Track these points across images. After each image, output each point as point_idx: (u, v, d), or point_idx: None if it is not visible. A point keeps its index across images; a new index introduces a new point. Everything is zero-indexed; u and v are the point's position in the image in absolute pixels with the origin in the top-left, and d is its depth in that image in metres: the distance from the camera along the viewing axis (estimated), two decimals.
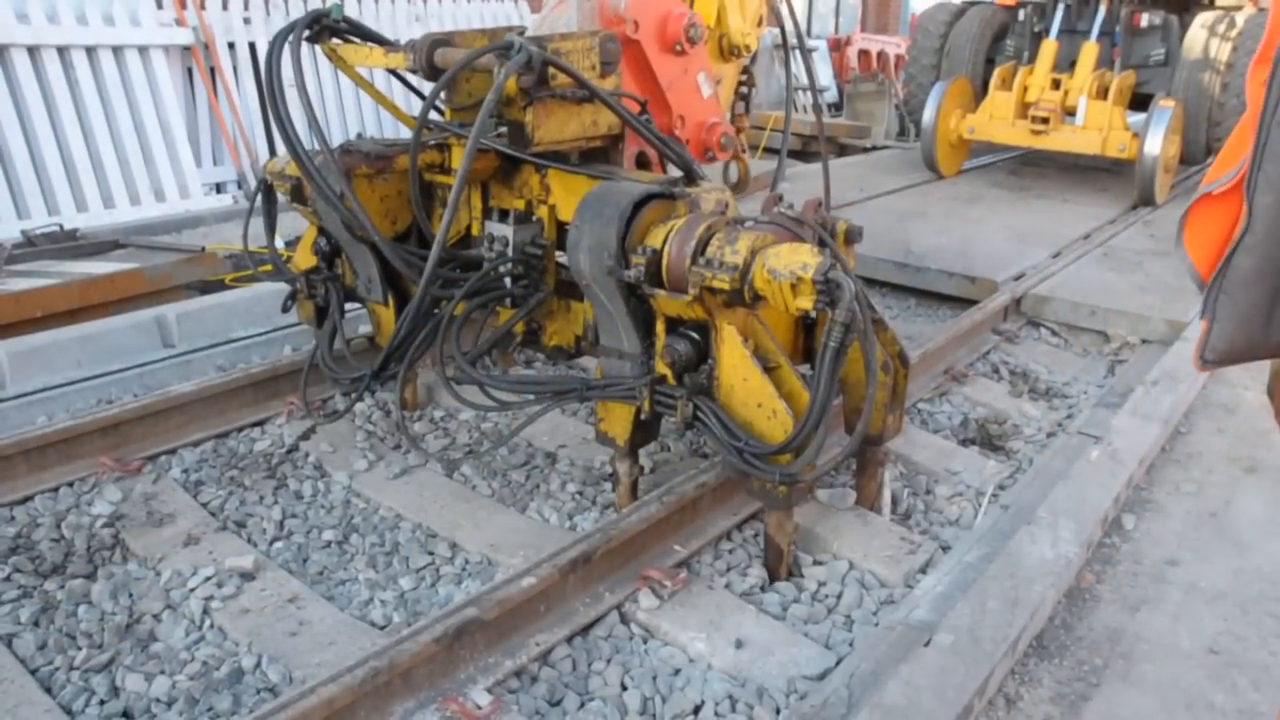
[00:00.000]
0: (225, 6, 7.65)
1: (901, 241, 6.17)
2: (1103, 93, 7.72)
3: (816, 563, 3.08)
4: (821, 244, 2.92)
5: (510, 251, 3.35)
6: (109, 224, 6.45)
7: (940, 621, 2.57)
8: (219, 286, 5.39)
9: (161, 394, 3.77)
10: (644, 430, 3.08)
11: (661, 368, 2.87)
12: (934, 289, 5.71)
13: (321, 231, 3.70)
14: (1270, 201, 1.29)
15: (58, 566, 2.98)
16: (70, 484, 3.39)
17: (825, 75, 13.34)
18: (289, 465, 3.60)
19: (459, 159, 3.18)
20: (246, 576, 2.91)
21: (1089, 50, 7.89)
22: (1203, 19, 7.97)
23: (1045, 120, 7.71)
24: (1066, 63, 8.04)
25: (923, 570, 3.03)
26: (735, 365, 2.75)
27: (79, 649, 2.63)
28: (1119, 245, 6.47)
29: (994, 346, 4.96)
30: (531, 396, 3.26)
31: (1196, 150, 7.99)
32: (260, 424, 3.87)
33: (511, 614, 2.52)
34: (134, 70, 6.91)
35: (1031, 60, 8.25)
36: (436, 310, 3.40)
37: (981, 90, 8.45)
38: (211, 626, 2.74)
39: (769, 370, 2.74)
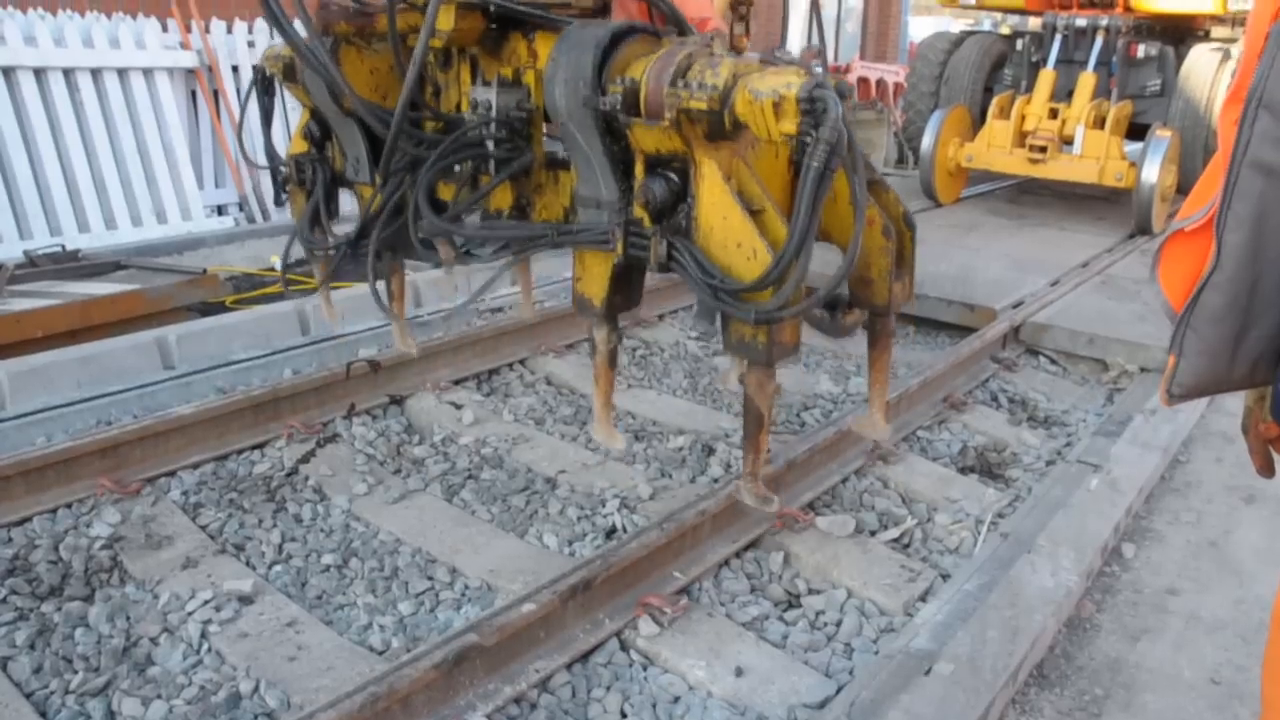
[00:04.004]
0: (230, 30, 7.70)
1: None
2: (1100, 122, 7.78)
3: (815, 591, 3.07)
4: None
5: (494, 115, 3.16)
6: (111, 245, 6.47)
7: (941, 650, 2.56)
8: (219, 308, 5.39)
9: (161, 415, 3.77)
10: (622, 290, 2.94)
11: (639, 211, 2.71)
12: (933, 316, 5.72)
13: (313, 115, 3.60)
14: (1239, 240, 1.31)
15: (55, 588, 2.96)
16: (69, 505, 3.37)
17: None
18: (288, 488, 3.59)
19: (443, 18, 3.01)
20: (245, 600, 2.89)
21: (1086, 80, 7.97)
22: (1198, 50, 8.05)
23: (1043, 149, 7.76)
24: (1064, 92, 8.11)
25: (922, 598, 3.02)
26: (715, 203, 2.59)
27: (75, 672, 2.62)
28: (1117, 274, 6.50)
29: (993, 374, 4.97)
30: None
31: (1193, 179, 7.99)
32: (260, 446, 3.86)
33: (511, 640, 2.51)
34: (138, 93, 6.95)
35: (1029, 90, 8.32)
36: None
37: (979, 119, 8.50)
38: (209, 650, 2.72)
39: (753, 214, 2.57)
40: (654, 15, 3.25)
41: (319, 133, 3.62)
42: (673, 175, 2.65)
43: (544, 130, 3.27)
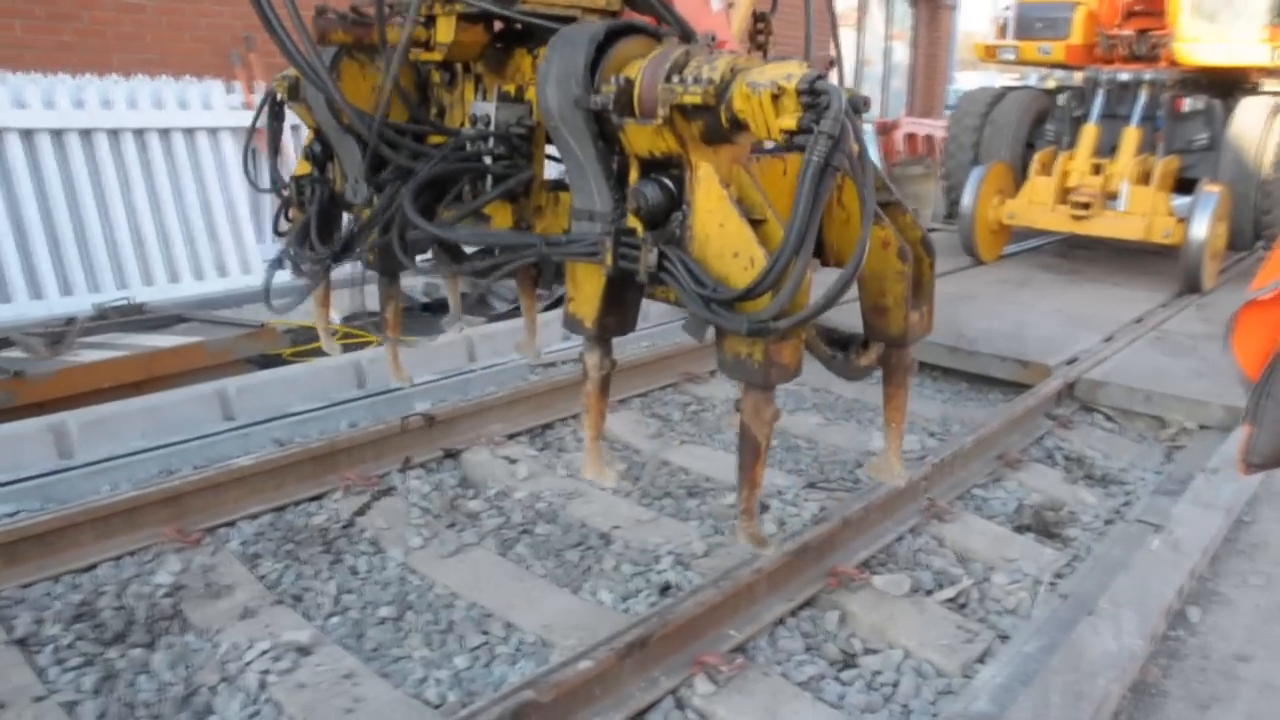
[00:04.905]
0: None
1: (952, 325, 6.17)
2: (1145, 178, 7.66)
3: (871, 650, 3.04)
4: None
5: (492, 129, 3.03)
6: (174, 298, 6.64)
7: (1002, 714, 2.52)
8: (278, 361, 5.51)
9: (222, 466, 3.85)
10: (615, 311, 2.78)
11: (633, 221, 2.55)
12: (986, 373, 5.68)
13: (317, 135, 3.55)
14: None
15: (119, 635, 3.02)
16: (133, 553, 3.45)
17: (873, 157, 13.47)
18: (345, 540, 3.64)
19: (443, 30, 2.91)
20: (303, 651, 2.92)
21: (1130, 135, 7.86)
22: (1248, 103, 7.95)
23: (1086, 206, 7.65)
24: (1108, 148, 8.00)
25: (980, 660, 2.98)
26: (711, 209, 2.41)
27: (138, 719, 2.66)
28: (1172, 329, 6.42)
29: (1048, 431, 4.91)
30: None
31: (1244, 236, 7.89)
32: (317, 498, 3.92)
33: (568, 697, 2.51)
34: (203, 151, 7.18)
35: (1072, 145, 8.22)
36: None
37: (1021, 175, 8.40)
38: (268, 700, 2.74)
39: (753, 223, 2.39)
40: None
41: (321, 153, 3.58)
42: (667, 181, 2.51)
43: (545, 150, 3.16)
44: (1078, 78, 8.96)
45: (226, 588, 3.26)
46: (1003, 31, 9.12)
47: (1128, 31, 8.49)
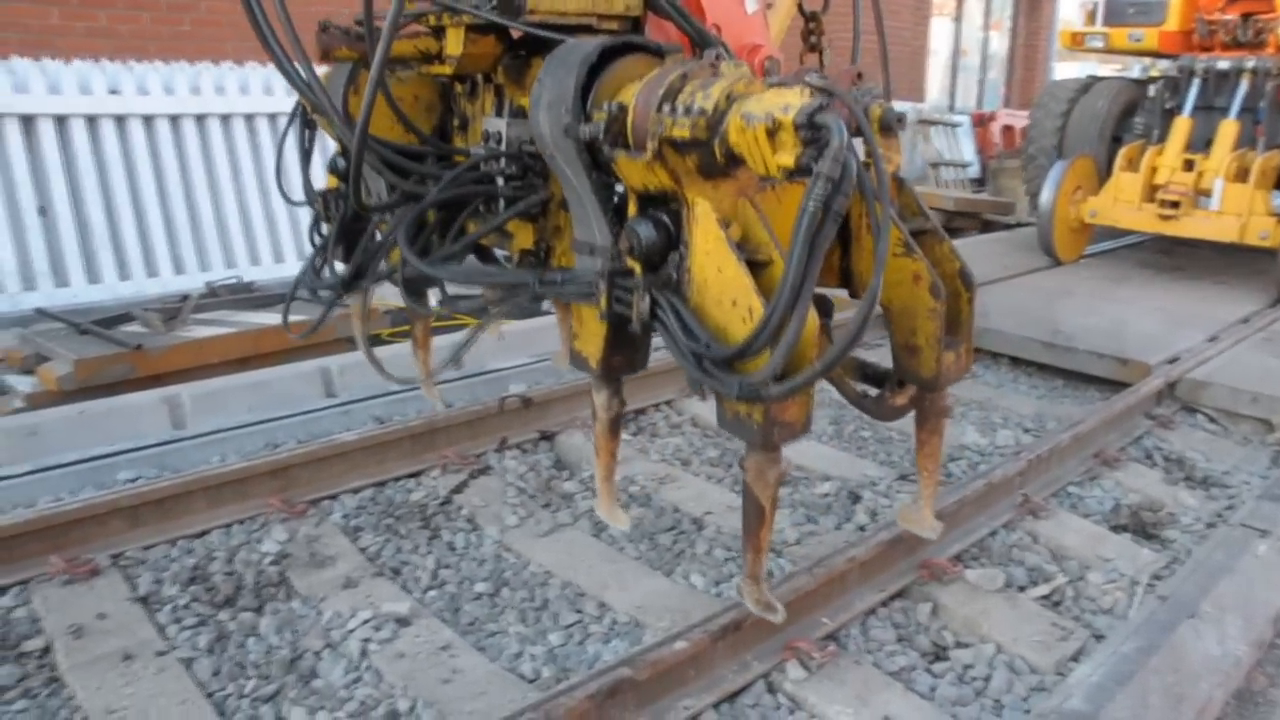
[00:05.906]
0: None
1: (1048, 320, 6.05)
2: (1243, 174, 7.19)
3: (963, 644, 3.03)
4: (858, 131, 2.06)
5: (504, 147, 2.87)
6: (278, 277, 6.87)
7: (1098, 713, 2.49)
8: (377, 341, 5.64)
9: (326, 441, 3.99)
10: (623, 350, 2.60)
11: (631, 261, 2.37)
12: (1083, 370, 5.56)
13: (342, 150, 3.43)
14: None
15: (229, 599, 3.16)
16: (241, 522, 3.61)
17: (969, 150, 13.24)
18: (442, 516, 3.74)
19: (453, 43, 2.78)
20: (402, 622, 3.03)
21: (1228, 128, 7.39)
22: None
23: (1176, 204, 7.24)
24: (1202, 142, 7.54)
25: (1074, 658, 2.94)
26: (709, 252, 2.20)
27: (248, 679, 2.79)
28: None
29: (1147, 431, 4.79)
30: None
31: None
32: (416, 475, 4.03)
33: (662, 676, 2.56)
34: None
35: (1162, 139, 7.76)
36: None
37: (1106, 171, 7.98)
38: (369, 668, 2.85)
39: (758, 265, 2.19)
40: (693, 40, 2.84)
41: (345, 168, 3.35)
42: (665, 217, 2.32)
43: None
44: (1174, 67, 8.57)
45: (330, 558, 3.39)
46: (1092, 18, 8.69)
47: (1230, 16, 7.99)
